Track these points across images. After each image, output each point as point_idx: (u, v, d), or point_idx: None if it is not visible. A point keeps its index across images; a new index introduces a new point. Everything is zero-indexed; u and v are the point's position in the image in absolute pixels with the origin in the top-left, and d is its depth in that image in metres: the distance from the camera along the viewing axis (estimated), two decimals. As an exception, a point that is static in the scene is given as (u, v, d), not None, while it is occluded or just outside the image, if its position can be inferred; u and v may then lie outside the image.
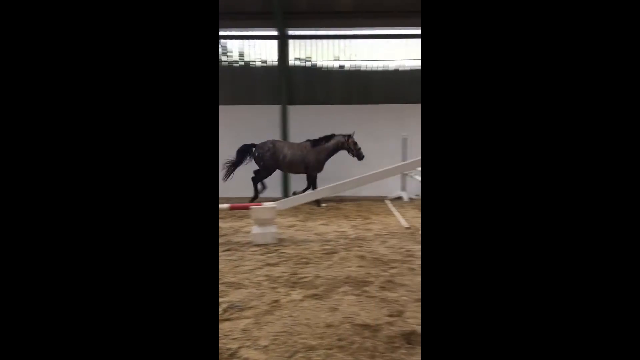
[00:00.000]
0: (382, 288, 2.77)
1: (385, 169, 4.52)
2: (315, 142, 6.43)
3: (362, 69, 7.62)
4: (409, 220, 5.26)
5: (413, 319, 2.25)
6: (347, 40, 7.58)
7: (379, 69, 7.65)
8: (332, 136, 6.40)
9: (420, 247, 3.87)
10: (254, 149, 6.43)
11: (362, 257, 3.54)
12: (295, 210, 5.98)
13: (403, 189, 7.08)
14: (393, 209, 6.18)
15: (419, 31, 7.35)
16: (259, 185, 6.53)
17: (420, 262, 3.36)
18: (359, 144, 6.41)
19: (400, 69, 7.61)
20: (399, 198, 7.05)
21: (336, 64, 7.65)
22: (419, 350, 1.91)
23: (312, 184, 6.43)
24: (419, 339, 2.02)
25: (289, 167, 6.51)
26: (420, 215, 5.57)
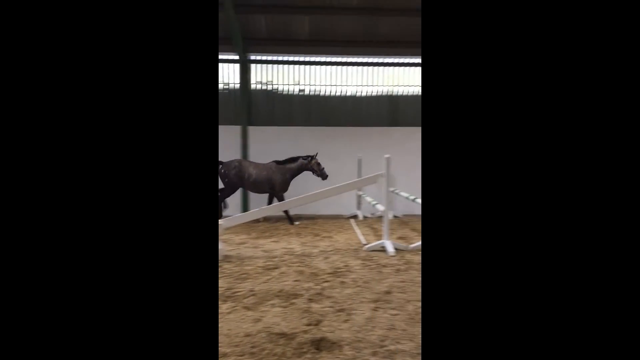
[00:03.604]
0: (310, 300, 2.96)
1: (334, 186, 4.79)
2: (280, 163, 6.71)
3: (320, 93, 8.01)
4: (353, 238, 5.50)
5: (328, 327, 2.45)
6: (307, 66, 7.97)
7: (337, 94, 8.05)
8: (297, 158, 6.73)
9: (358, 262, 4.10)
10: (220, 166, 6.52)
11: (300, 272, 3.73)
12: (248, 227, 6.13)
13: (358, 207, 7.37)
14: (355, 226, 6.43)
15: (374, 59, 7.87)
16: (222, 204, 6.63)
17: (353, 276, 3.58)
18: (322, 165, 6.76)
19: (358, 94, 8.05)
20: (355, 216, 7.32)
21: (296, 88, 8.00)
22: (324, 354, 2.10)
23: (277, 200, 6.67)
24: (328, 344, 2.22)
25: (254, 186, 6.66)
26: (369, 233, 5.83)
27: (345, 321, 2.56)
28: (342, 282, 3.41)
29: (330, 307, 2.82)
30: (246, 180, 6.55)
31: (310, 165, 6.68)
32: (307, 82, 8.06)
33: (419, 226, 6.23)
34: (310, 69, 8.01)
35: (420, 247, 4.66)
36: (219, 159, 6.49)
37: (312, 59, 7.90)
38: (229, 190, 6.60)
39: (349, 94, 8.08)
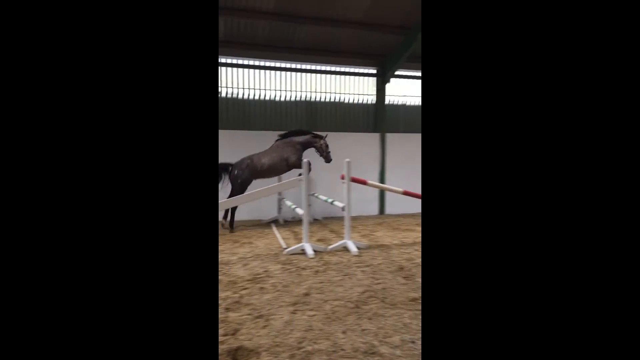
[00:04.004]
0: (227, 309, 2.87)
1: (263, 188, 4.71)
2: (283, 136, 6.57)
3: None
4: (273, 242, 5.50)
5: (245, 335, 2.40)
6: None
7: (255, 97, 7.98)
8: (300, 131, 6.58)
9: (278, 266, 4.11)
10: (230, 168, 6.35)
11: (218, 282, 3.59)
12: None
13: (279, 211, 7.38)
14: (275, 230, 6.38)
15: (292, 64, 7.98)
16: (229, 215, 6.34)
17: (272, 281, 3.57)
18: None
19: (277, 99, 8.09)
20: (275, 221, 7.31)
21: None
22: (241, 363, 2.06)
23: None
24: (245, 352, 2.18)
25: (271, 171, 6.44)
26: (290, 236, 5.87)
27: (264, 327, 2.54)
28: (262, 288, 3.37)
29: (249, 314, 2.77)
30: (261, 170, 6.35)
31: (319, 144, 6.55)
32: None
33: (337, 228, 6.47)
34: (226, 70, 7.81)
35: (338, 247, 4.85)
36: (227, 162, 6.37)
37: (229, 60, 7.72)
38: (239, 190, 6.27)
39: (267, 98, 8.06)
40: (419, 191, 6.01)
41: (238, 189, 6.31)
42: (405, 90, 8.92)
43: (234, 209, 6.36)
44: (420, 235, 5.87)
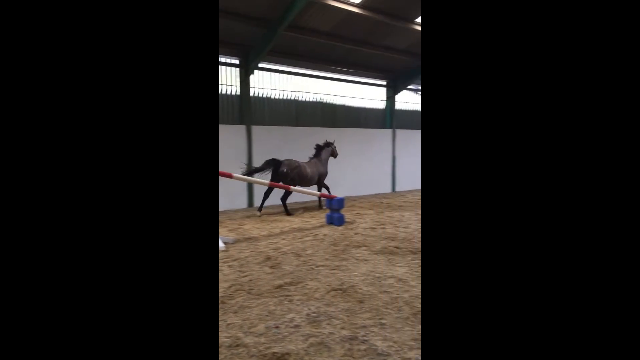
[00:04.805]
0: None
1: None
2: (315, 156, 7.86)
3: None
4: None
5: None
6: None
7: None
8: (322, 147, 7.94)
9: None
10: (281, 164, 7.01)
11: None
12: None
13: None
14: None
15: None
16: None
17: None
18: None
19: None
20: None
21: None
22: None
23: (326, 188, 7.95)
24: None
25: (307, 181, 7.45)
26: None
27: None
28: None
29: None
30: (304, 177, 7.27)
31: (333, 150, 8.14)
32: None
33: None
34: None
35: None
36: (273, 158, 7.08)
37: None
38: (287, 182, 6.91)
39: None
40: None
41: (286, 182, 7.11)
42: (269, 83, 9.04)
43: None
44: (288, 224, 6.11)
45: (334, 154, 8.27)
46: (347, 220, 6.25)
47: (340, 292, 3.07)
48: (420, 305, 2.77)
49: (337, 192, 7.80)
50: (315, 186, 7.78)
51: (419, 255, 4.13)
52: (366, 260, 3.99)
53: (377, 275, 3.47)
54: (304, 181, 7.47)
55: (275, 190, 7.13)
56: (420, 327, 2.43)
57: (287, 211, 7.19)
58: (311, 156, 7.92)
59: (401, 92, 11.28)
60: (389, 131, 11.18)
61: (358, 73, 10.43)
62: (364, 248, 4.48)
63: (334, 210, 6.04)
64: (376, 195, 9.41)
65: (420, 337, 2.30)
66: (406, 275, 3.46)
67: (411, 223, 6.03)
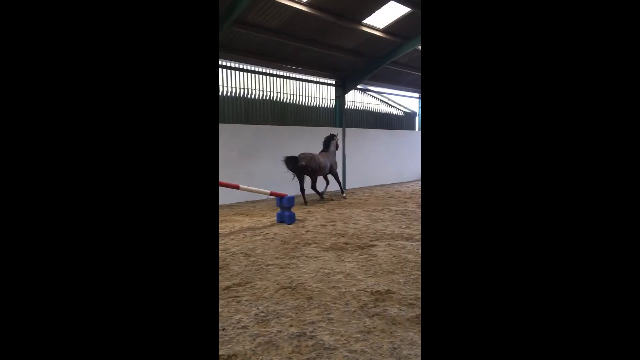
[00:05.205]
0: None
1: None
2: (324, 149, 8.64)
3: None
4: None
5: None
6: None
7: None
8: (329, 141, 8.71)
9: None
10: (298, 160, 7.51)
11: None
12: None
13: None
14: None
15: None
16: (319, 189, 8.35)
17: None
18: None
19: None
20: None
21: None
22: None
23: (336, 178, 8.90)
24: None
25: (324, 170, 8.25)
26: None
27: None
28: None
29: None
30: (322, 166, 8.07)
31: (337, 142, 8.92)
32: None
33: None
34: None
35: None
36: (289, 156, 7.49)
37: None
38: (314, 177, 7.98)
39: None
40: (229, 180, 6.10)
41: (312, 176, 7.97)
42: (219, 80, 8.78)
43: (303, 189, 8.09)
44: (237, 224, 5.99)
45: (337, 147, 8.96)
46: (298, 218, 6.27)
47: (289, 290, 3.08)
48: (366, 298, 2.87)
49: (285, 190, 7.79)
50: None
51: (367, 250, 4.27)
52: (316, 257, 4.04)
53: (326, 271, 3.54)
54: (322, 170, 8.29)
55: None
56: (367, 319, 2.52)
57: (321, 195, 8.45)
58: (323, 147, 8.85)
59: (350, 92, 11.53)
60: (338, 130, 11.39)
61: (308, 71, 10.48)
62: (314, 245, 4.53)
63: (285, 208, 6.03)
64: (326, 193, 9.53)
65: (366, 329, 2.38)
66: (354, 270, 3.56)
67: (360, 219, 6.20)
